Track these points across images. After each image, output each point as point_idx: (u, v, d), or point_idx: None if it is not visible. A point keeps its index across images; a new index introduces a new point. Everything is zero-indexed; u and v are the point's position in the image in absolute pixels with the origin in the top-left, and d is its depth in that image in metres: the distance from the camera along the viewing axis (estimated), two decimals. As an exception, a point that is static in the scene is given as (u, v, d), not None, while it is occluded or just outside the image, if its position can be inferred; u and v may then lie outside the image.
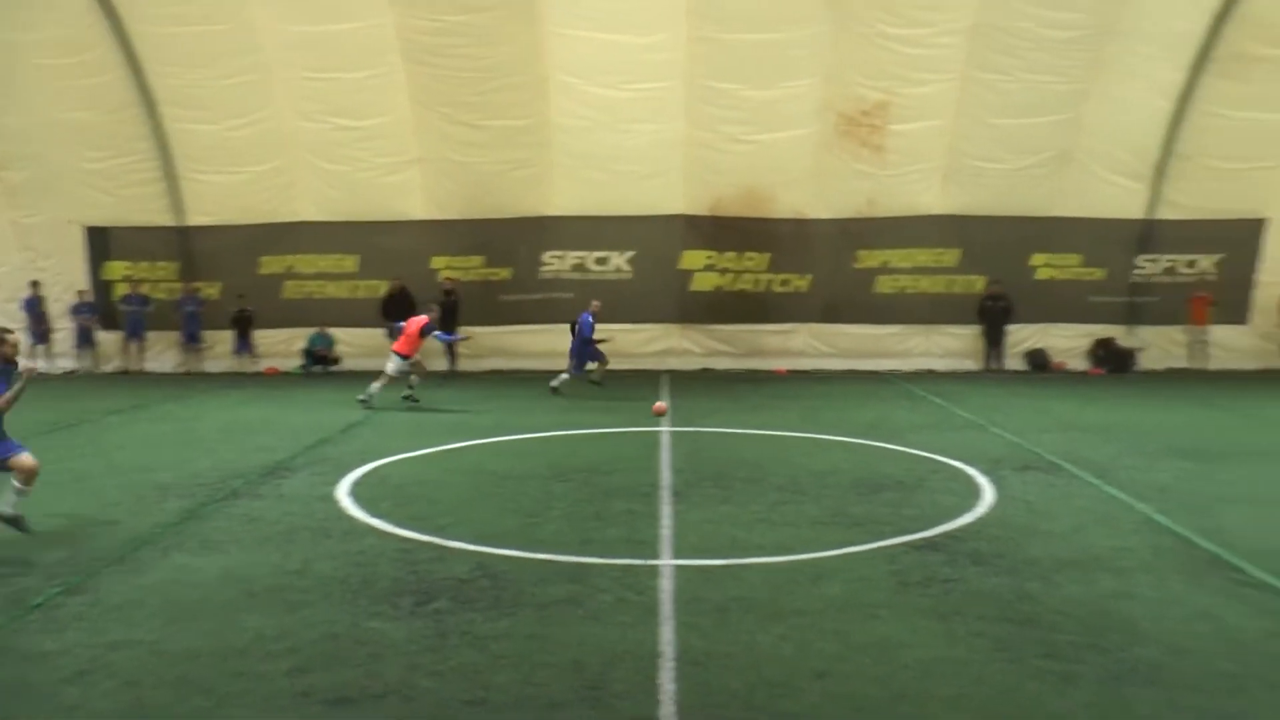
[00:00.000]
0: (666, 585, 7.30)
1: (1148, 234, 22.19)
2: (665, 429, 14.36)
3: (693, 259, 22.14)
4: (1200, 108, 20.52)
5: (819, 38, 19.15)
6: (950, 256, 22.24)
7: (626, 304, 21.69)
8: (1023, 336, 22.65)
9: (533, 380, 19.63)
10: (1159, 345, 22.74)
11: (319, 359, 22.32)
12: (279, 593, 7.20)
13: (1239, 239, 22.34)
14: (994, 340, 22.26)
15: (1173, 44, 19.77)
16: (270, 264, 22.61)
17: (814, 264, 22.14)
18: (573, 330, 18.75)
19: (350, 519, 9.29)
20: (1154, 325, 22.69)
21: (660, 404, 15.12)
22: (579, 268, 22.24)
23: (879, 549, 8.28)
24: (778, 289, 22.32)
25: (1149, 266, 22.62)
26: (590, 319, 18.73)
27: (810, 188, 21.10)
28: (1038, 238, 22.07)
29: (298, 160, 21.29)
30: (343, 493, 10.31)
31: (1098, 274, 22.50)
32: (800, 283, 22.25)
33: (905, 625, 6.56)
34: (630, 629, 6.44)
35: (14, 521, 8.45)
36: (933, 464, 11.91)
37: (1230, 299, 22.48)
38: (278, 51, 20.02)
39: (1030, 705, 5.43)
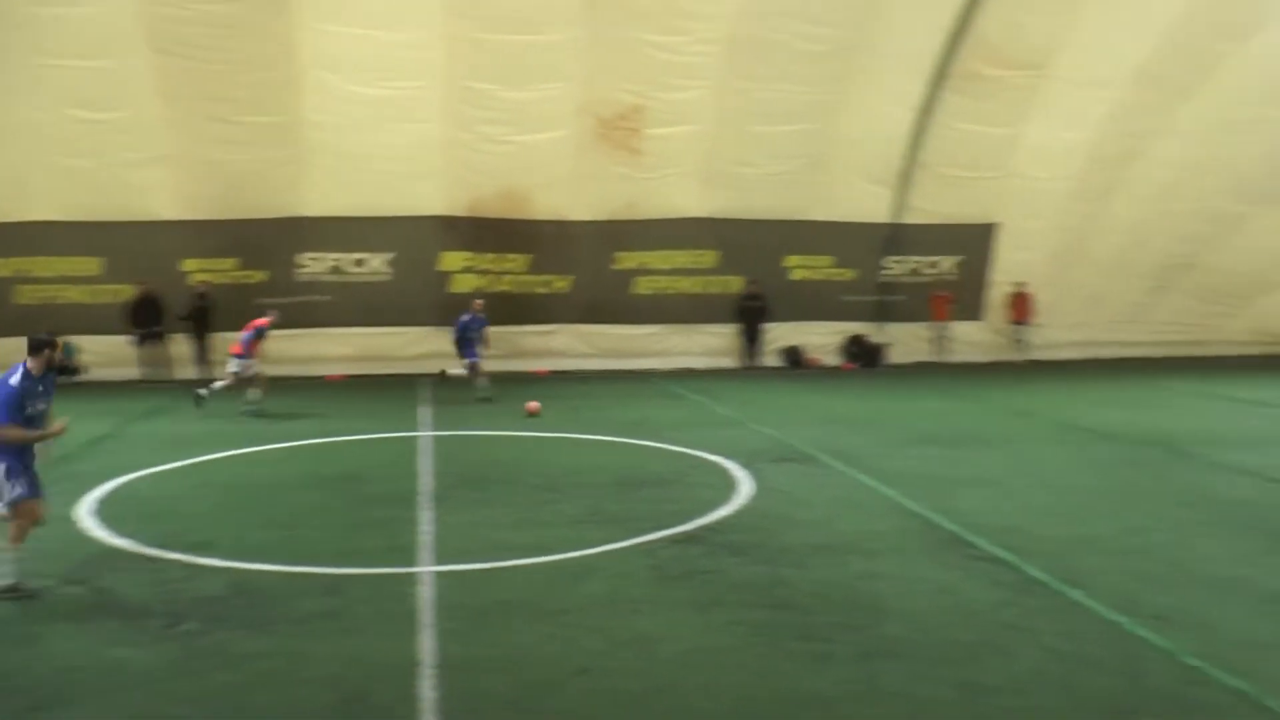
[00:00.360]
0: (427, 592, 7.25)
1: (894, 237, 23.46)
2: (425, 434, 14.21)
3: (452, 260, 21.85)
4: (939, 120, 21.79)
5: (576, 41, 19.17)
6: (708, 258, 22.83)
7: (385, 307, 21.27)
8: (779, 334, 23.52)
9: (292, 388, 18.93)
10: (905, 341, 24.08)
11: (60, 369, 20.66)
12: (8, 626, 6.74)
13: (975, 242, 23.96)
14: (751, 338, 23.03)
15: (914, 60, 20.89)
16: (-1, 267, 20.83)
17: (574, 265, 22.22)
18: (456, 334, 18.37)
19: (92, 541, 8.73)
20: (901, 322, 24.01)
21: (533, 404, 15.00)
22: (336, 270, 21.53)
23: (639, 545, 8.46)
24: (538, 290, 22.31)
25: (895, 267, 23.93)
26: (478, 319, 18.28)
27: (570, 189, 21.15)
28: (792, 240, 22.95)
29: (30, 155, 19.61)
30: (85, 512, 9.67)
31: (848, 274, 23.63)
32: (561, 284, 22.34)
33: (665, 618, 6.74)
34: (390, 639, 6.37)
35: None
36: (692, 459, 12.24)
37: (968, 297, 24.15)
38: (4, 33, 18.41)
39: (786, 686, 5.70)
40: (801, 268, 23.32)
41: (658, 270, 22.72)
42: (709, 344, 23.21)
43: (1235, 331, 26.59)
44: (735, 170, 21.52)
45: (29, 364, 7.28)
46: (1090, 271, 24.68)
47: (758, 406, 16.73)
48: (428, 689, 5.60)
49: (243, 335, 16.62)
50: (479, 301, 18.86)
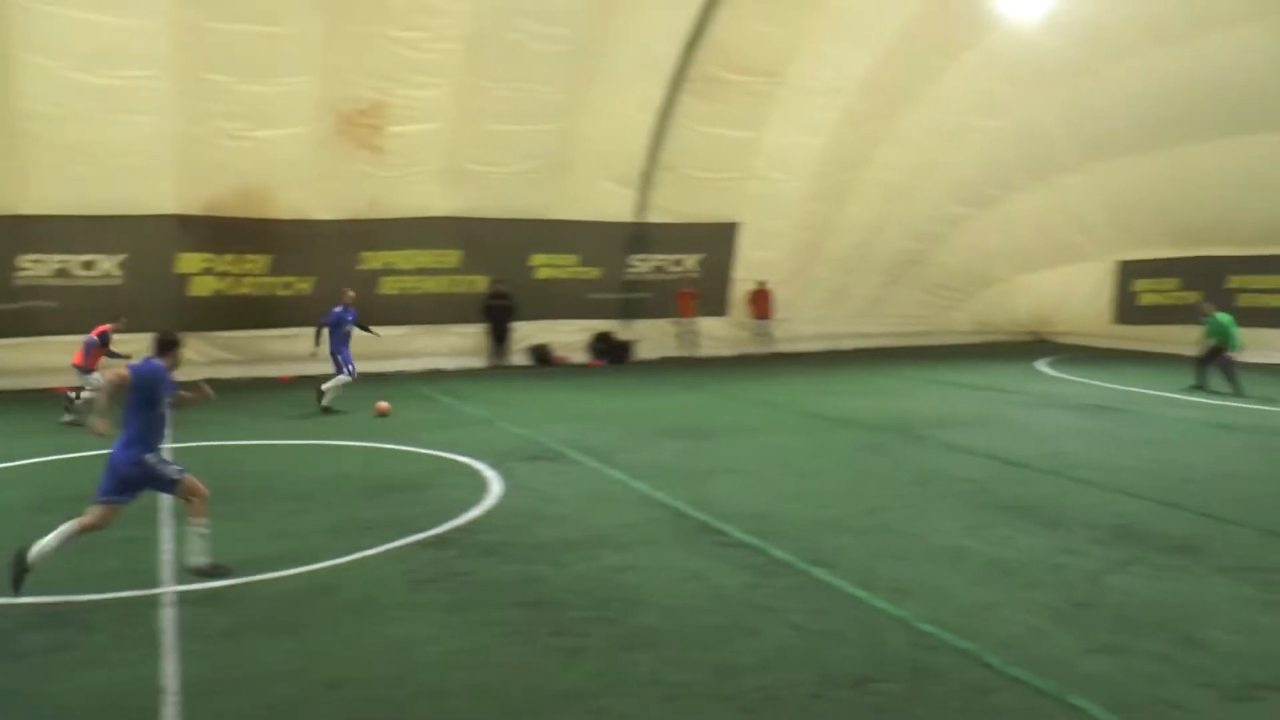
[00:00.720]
0: (169, 615, 6.80)
1: (638, 236, 23.86)
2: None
3: (189, 262, 20.55)
4: (679, 123, 22.31)
5: (313, 33, 18.36)
6: (453, 257, 22.50)
7: (119, 312, 19.82)
8: (527, 333, 23.49)
9: (18, 402, 17.47)
10: (652, 337, 24.56)
11: None
12: None
13: (717, 240, 24.70)
14: (499, 337, 22.91)
15: (653, 64, 21.27)
16: None
17: (317, 266, 21.30)
18: (319, 333, 16.48)
19: None
20: (647, 319, 24.45)
21: (382, 404, 14.16)
22: (63, 273, 19.77)
23: (391, 550, 8.24)
24: (280, 292, 21.31)
25: (640, 265, 24.35)
26: (350, 311, 16.71)
27: (311, 187, 20.32)
28: (537, 239, 22.95)
29: None
30: None
31: (594, 273, 23.86)
32: (303, 285, 21.41)
33: (419, 623, 6.59)
34: (130, 667, 5.94)
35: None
36: (443, 461, 12.04)
37: (712, 293, 24.86)
38: None
39: (542, 682, 5.66)
40: (547, 266, 23.35)
41: (403, 270, 22.19)
42: (457, 344, 22.90)
43: (959, 322, 28.75)
44: (478, 169, 21.29)
45: (163, 361, 7.59)
46: (828, 268, 25.97)
47: (507, 405, 16.66)
48: (172, 716, 5.26)
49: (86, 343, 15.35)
50: (351, 293, 17.40)
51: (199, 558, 7.58)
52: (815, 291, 26.13)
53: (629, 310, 24.42)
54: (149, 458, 7.46)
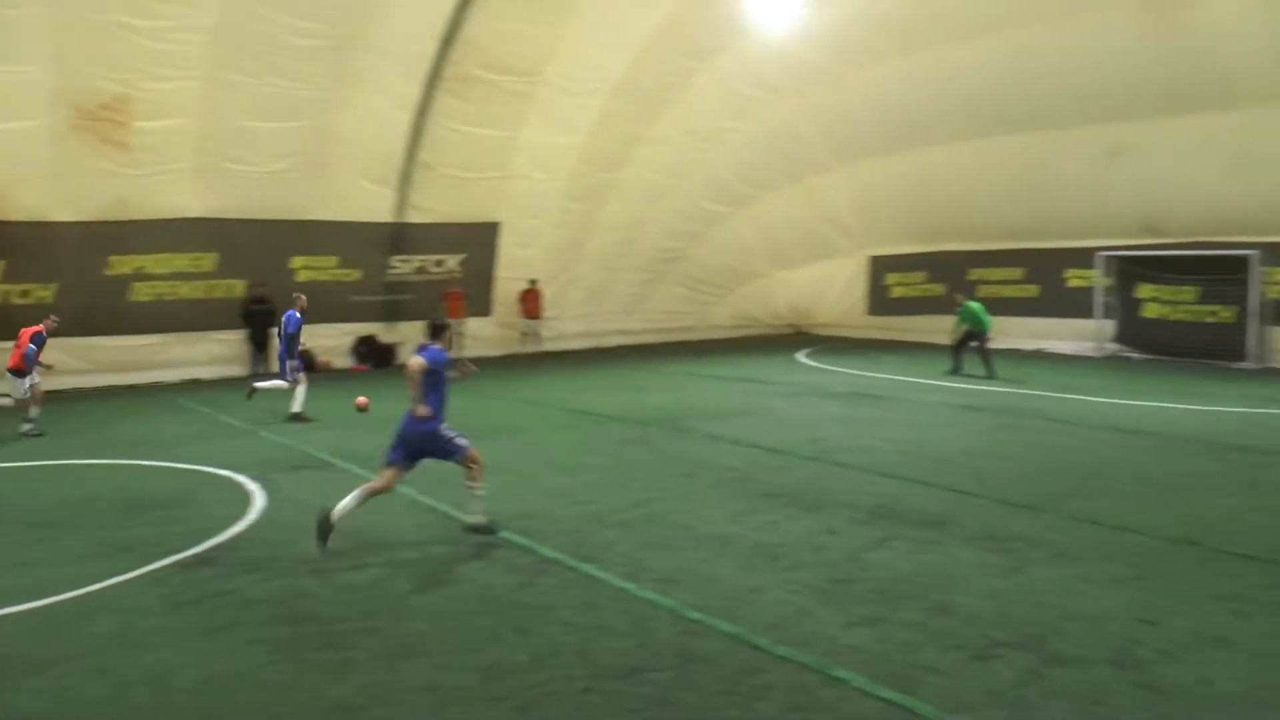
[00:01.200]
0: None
1: (399, 236, 23.32)
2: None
3: (-93, 270, 18.80)
4: (437, 121, 21.93)
5: (42, 19, 16.95)
6: (209, 260, 21.28)
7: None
8: (289, 338, 22.56)
9: None
10: (417, 339, 23.93)
11: None
12: None
13: (479, 240, 24.45)
14: (260, 344, 21.89)
15: (409, 61, 20.80)
16: None
17: (58, 272, 19.63)
18: (279, 335, 15.98)
19: None
20: (411, 320, 23.86)
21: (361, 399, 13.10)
22: None
23: (149, 573, 7.72)
24: (16, 300, 19.52)
25: (402, 266, 23.81)
26: (298, 316, 15.80)
27: (48, 186, 18.72)
28: (296, 240, 22.07)
29: None
30: None
31: (355, 274, 23.15)
32: (44, 293, 19.70)
33: (180, 648, 6.20)
34: None
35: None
36: (203, 476, 11.42)
37: (477, 294, 24.58)
38: None
39: (309, 699, 5.44)
40: (307, 269, 22.48)
41: (156, 275, 20.78)
42: (215, 352, 21.73)
43: (721, 316, 29.55)
44: (232, 168, 20.26)
45: (438, 343, 8.94)
46: (590, 266, 26.16)
47: (268, 414, 15.96)
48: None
49: (19, 345, 14.60)
50: (303, 298, 16.24)
51: (476, 516, 8.64)
52: (578, 290, 26.31)
53: (392, 312, 23.85)
54: (443, 429, 8.56)
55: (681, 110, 24.24)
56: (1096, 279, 23.54)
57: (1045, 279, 25.33)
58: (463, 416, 14.95)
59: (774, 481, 10.45)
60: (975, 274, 26.70)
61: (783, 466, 11.29)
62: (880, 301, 29.29)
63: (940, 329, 25.47)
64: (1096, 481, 10.61)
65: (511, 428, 14.34)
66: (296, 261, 22.29)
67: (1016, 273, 26.01)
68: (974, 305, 19.94)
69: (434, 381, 8.60)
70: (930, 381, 18.80)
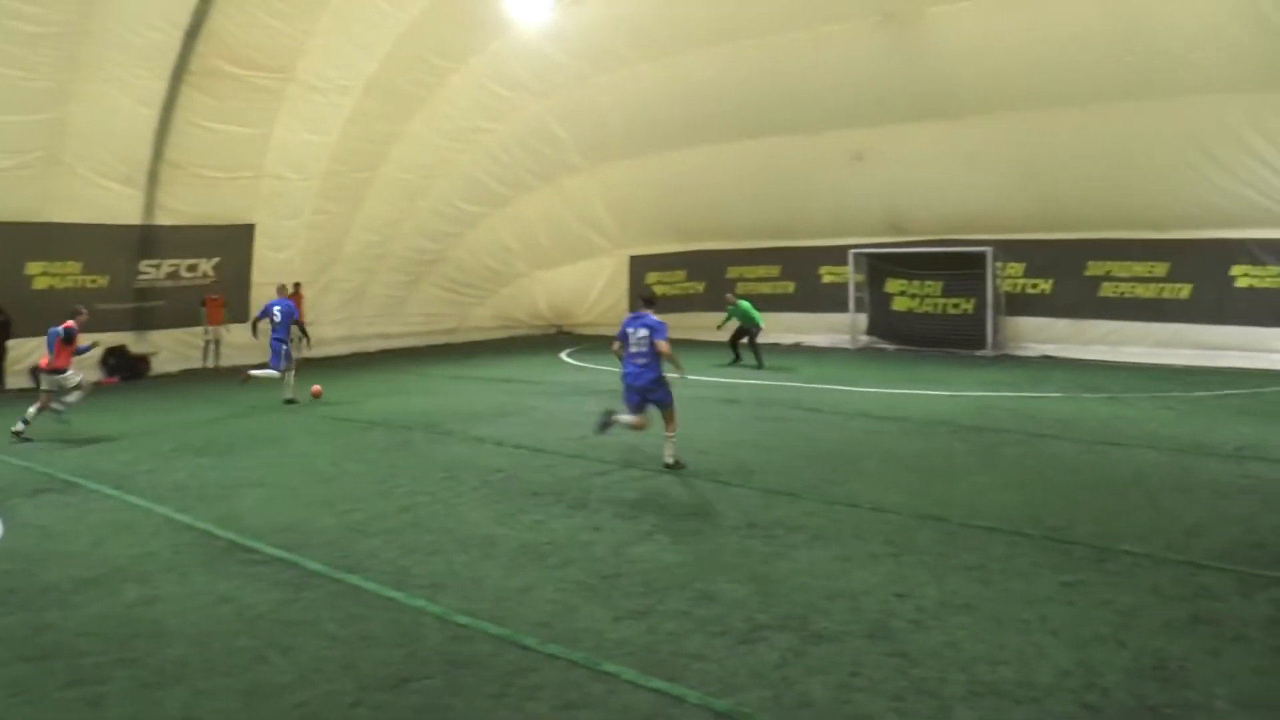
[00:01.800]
0: None
1: (148, 239, 22.10)
2: None
3: None
4: (184, 118, 20.89)
5: None
6: (-65, 270, 19.70)
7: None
8: (27, 351, 21.02)
9: None
10: (172, 348, 22.93)
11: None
12: None
13: (233, 243, 23.48)
14: (-5, 359, 20.41)
15: (150, 54, 19.70)
16: None
17: None
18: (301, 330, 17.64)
19: None
20: (165, 329, 22.79)
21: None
22: None
23: None
24: None
25: (152, 271, 22.59)
26: (290, 304, 17.46)
27: None
28: (32, 245, 20.47)
29: None
30: None
31: (101, 281, 21.76)
32: None
33: (-98, 695, 5.78)
34: None
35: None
36: (-72, 504, 10.60)
37: (231, 298, 23.56)
38: None
39: (56, 736, 5.18)
40: (46, 275, 20.98)
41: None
42: (-57, 368, 20.11)
43: (483, 318, 29.51)
44: (-47, 165, 18.76)
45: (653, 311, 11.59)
46: (346, 268, 25.59)
47: (5, 434, 14.92)
48: None
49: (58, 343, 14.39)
50: (289, 286, 17.88)
51: (669, 457, 11.32)
52: (335, 293, 25.68)
53: (143, 321, 22.57)
54: (663, 379, 11.26)
55: (435, 110, 24.07)
56: (849, 275, 24.86)
57: (800, 276, 26.64)
58: (218, 429, 14.57)
59: (539, 481, 10.60)
60: (734, 272, 27.78)
61: (547, 466, 11.45)
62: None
63: (700, 326, 26.44)
64: (851, 466, 11.30)
65: (270, 437, 13.93)
66: (33, 268, 20.70)
67: (773, 270, 27.21)
68: (744, 304, 21.63)
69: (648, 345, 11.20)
70: (691, 377, 19.30)
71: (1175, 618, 6.53)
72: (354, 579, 7.40)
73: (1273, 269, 20.40)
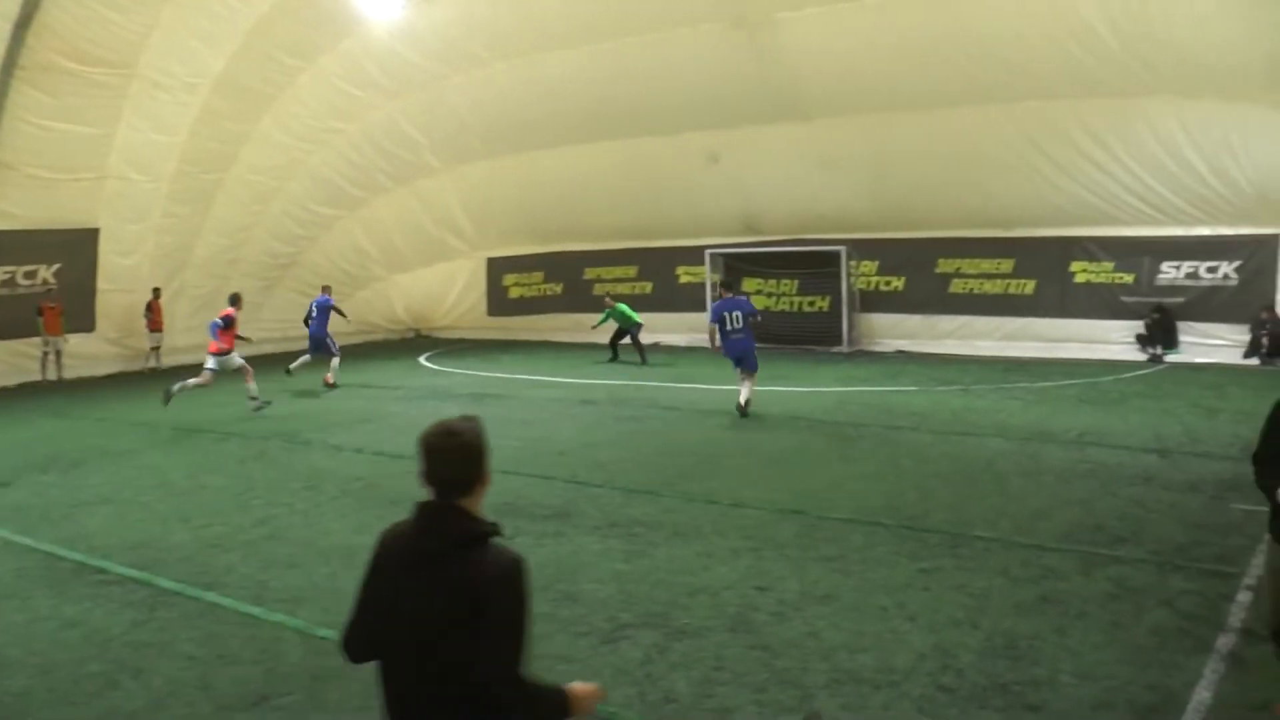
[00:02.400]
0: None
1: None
2: None
3: None
4: (16, 115, 19.84)
5: None
6: None
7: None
8: None
9: None
10: (7, 360, 21.89)
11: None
12: None
13: (76, 248, 22.44)
14: None
15: (-24, 47, 18.85)
16: None
17: None
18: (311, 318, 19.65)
19: None
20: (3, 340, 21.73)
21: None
22: None
23: None
24: None
25: None
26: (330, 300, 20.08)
27: None
28: None
29: None
30: None
31: (-72, 291, 20.72)
32: None
33: None
34: None
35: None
36: None
37: (75, 307, 22.55)
38: None
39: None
40: None
41: None
42: None
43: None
44: None
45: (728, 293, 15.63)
46: (199, 274, 24.75)
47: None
48: None
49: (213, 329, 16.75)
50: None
51: (743, 400, 14.20)
52: (186, 300, 24.75)
53: (-23, 330, 21.49)
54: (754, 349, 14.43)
55: (285, 109, 23.46)
56: (706, 275, 25.21)
57: (658, 276, 26.91)
58: (62, 445, 13.90)
59: (399, 488, 10.48)
60: (591, 273, 27.91)
61: (408, 472, 11.20)
62: (499, 302, 29.80)
63: (558, 327, 26.48)
64: (710, 463, 11.49)
65: (120, 451, 13.40)
66: None
67: (631, 270, 27.43)
68: (622, 306, 22.38)
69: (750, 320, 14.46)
70: (550, 378, 19.45)
71: (1024, 599, 6.86)
72: (211, 596, 7.23)
73: (1107, 265, 21.50)
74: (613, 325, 22.58)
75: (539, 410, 15.54)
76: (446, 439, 2.99)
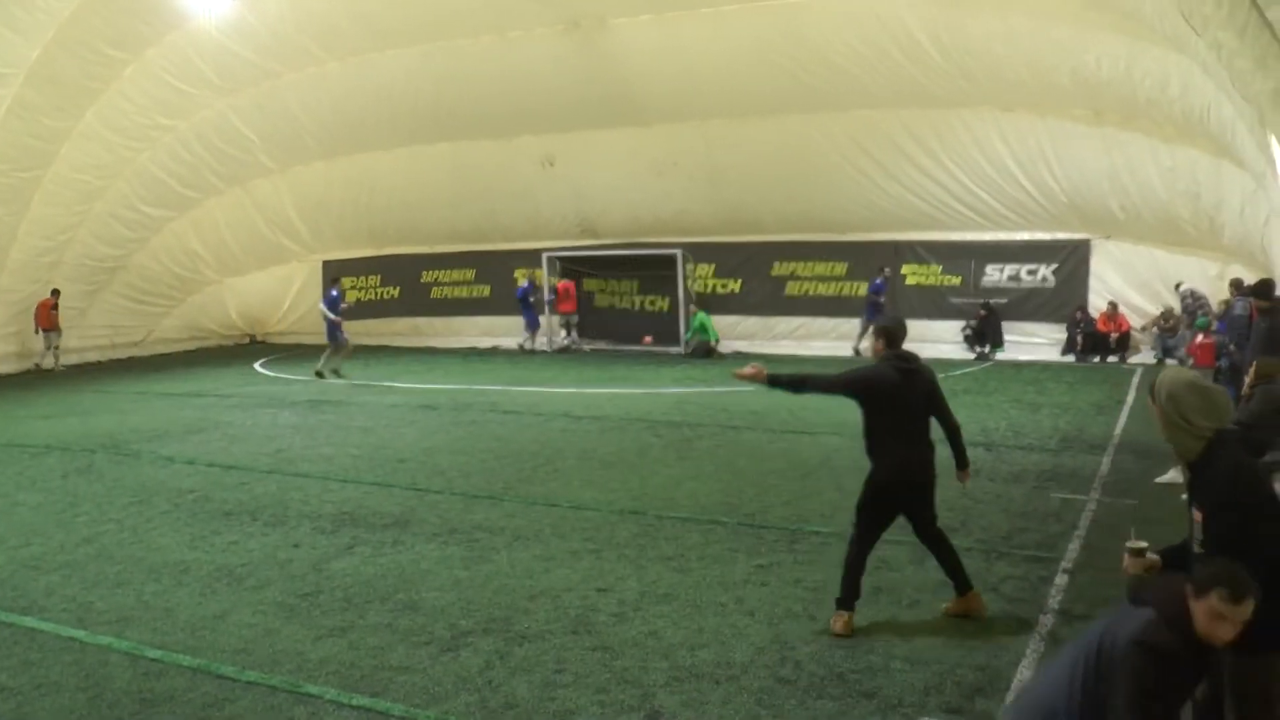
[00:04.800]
0: None
1: None
2: None
3: None
4: None
5: None
6: None
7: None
8: None
9: None
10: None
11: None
12: None
13: None
14: None
15: None
16: None
17: None
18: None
19: None
20: None
21: None
22: None
23: None
24: None
25: None
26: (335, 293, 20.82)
27: None
28: None
29: None
30: None
31: None
32: None
33: None
34: None
35: None
36: None
37: None
38: None
39: None
40: None
41: None
42: None
43: (171, 329, 27.75)
44: None
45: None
46: (15, 279, 23.42)
47: None
48: None
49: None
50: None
51: None
52: (3, 307, 23.49)
53: None
54: None
55: (110, 105, 22.37)
56: (544, 278, 25.21)
57: (496, 279, 26.72)
58: None
59: (233, 499, 10.23)
60: (429, 276, 27.56)
61: (242, 483, 11.05)
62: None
63: (395, 331, 26.12)
64: (551, 466, 11.55)
65: None
66: None
67: (468, 274, 27.21)
68: None
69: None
70: (389, 384, 19.17)
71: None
72: (29, 621, 6.88)
73: (935, 268, 22.41)
74: None
75: (378, 417, 15.31)
76: None
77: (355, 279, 28.17)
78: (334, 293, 20.93)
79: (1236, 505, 3.69)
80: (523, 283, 24.60)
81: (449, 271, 27.40)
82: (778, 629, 6.48)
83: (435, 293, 26.85)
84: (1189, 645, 3.34)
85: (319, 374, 20.19)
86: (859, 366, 6.92)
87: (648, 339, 24.14)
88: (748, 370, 6.59)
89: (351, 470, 11.39)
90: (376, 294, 28.27)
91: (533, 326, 24.71)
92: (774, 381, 6.61)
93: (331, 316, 20.39)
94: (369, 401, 16.92)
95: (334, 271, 28.12)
